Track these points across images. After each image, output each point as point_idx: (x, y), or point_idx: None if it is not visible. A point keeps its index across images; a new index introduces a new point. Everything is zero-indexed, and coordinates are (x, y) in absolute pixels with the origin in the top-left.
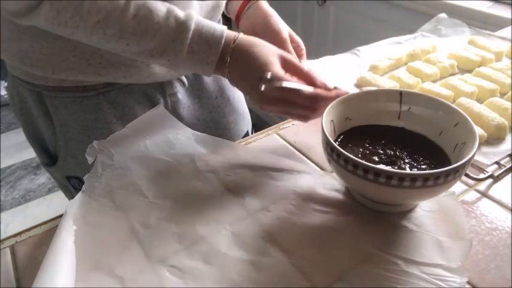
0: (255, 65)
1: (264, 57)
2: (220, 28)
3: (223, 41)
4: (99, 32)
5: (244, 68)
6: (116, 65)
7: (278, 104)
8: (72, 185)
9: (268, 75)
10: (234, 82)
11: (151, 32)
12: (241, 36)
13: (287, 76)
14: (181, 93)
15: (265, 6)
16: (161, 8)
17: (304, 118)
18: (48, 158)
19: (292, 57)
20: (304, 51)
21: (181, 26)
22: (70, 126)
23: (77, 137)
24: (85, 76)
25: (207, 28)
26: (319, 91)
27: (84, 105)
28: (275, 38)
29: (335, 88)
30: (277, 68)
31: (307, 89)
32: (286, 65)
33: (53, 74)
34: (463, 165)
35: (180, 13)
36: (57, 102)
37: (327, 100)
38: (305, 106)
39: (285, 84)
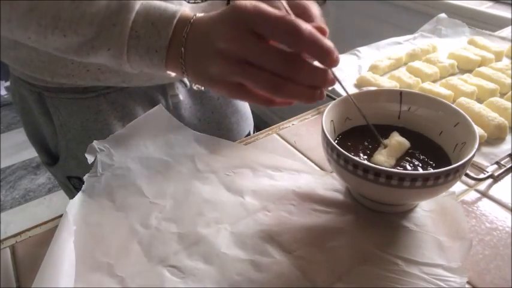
0: (208, 37)
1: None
2: (173, 8)
3: (175, 22)
4: (33, 23)
5: (197, 50)
6: (114, 70)
7: (238, 66)
8: (72, 185)
9: None
10: (192, 77)
11: (89, 16)
12: (200, 15)
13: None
14: (183, 94)
15: None
16: None
17: (269, 102)
18: (49, 157)
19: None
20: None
21: (123, 7)
22: (70, 127)
23: (78, 137)
24: (84, 82)
25: (155, 8)
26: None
27: (84, 106)
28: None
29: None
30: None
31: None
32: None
33: (53, 80)
34: (463, 165)
35: None
36: (58, 102)
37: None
38: (277, 66)
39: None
